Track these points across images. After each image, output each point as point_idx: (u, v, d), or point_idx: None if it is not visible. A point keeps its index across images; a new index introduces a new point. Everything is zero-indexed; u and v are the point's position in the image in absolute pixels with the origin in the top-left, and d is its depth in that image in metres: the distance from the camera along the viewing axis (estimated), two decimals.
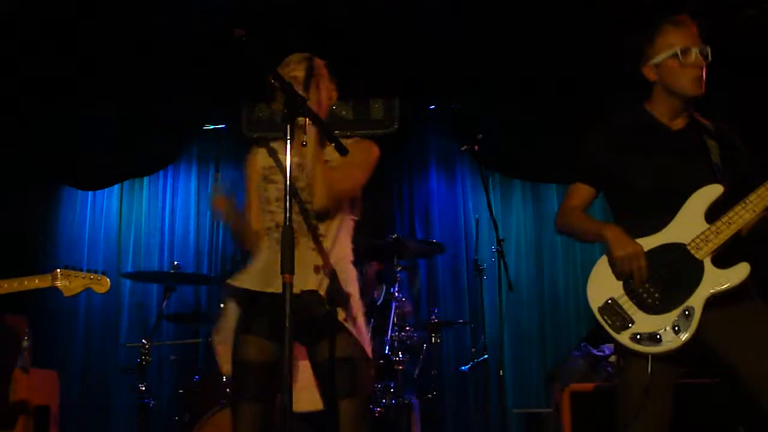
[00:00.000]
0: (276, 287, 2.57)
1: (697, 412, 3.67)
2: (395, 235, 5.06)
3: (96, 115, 6.02)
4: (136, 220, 6.66)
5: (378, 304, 5.39)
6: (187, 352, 5.72)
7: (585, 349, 4.66)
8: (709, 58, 2.86)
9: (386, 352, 4.79)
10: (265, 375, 2.75)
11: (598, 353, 4.53)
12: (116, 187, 6.60)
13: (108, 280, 3.42)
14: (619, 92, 5.37)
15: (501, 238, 5.17)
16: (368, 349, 2.81)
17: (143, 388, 4.71)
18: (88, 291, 6.34)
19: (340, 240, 2.86)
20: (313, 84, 2.90)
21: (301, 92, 2.78)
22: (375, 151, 2.95)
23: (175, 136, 6.31)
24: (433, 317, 5.24)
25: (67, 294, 3.24)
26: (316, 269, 2.75)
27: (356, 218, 2.96)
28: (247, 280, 2.80)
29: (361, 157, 2.89)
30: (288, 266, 2.27)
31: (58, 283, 3.26)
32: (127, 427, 5.98)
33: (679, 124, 2.95)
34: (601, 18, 5.36)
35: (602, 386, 4.30)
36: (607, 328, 2.75)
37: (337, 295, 2.75)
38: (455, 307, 6.43)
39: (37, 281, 3.35)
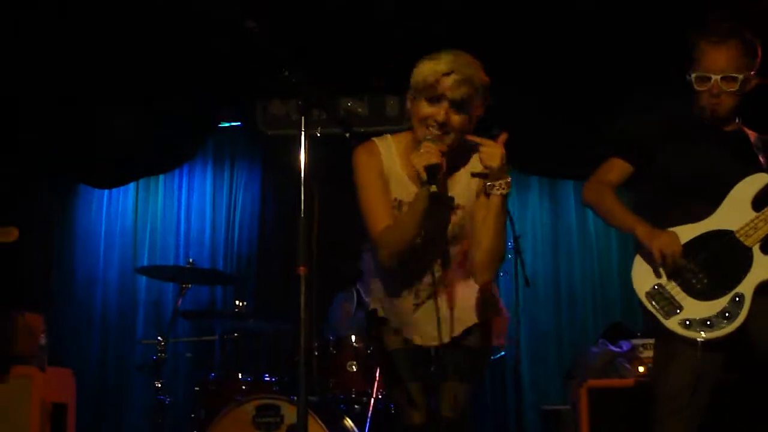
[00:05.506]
0: (434, 339, 2.63)
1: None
2: None
3: (112, 114, 6.03)
4: (151, 219, 6.66)
5: None
6: (202, 349, 5.73)
7: (602, 345, 4.61)
8: (736, 87, 2.80)
9: None
10: (420, 355, 2.74)
11: (615, 349, 4.49)
12: (132, 186, 6.61)
13: (16, 229, 3.06)
14: (639, 88, 5.42)
15: (517, 234, 5.14)
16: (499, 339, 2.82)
17: (159, 385, 4.71)
18: (104, 289, 6.45)
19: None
20: (469, 106, 2.73)
21: (452, 111, 2.66)
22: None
23: (190, 134, 6.31)
24: None
25: None
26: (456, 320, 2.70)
27: None
28: (403, 328, 2.75)
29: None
30: (303, 256, 2.22)
31: None
32: (143, 423, 5.98)
33: (725, 127, 2.93)
34: (620, 13, 5.32)
35: (620, 382, 4.26)
36: (655, 313, 2.71)
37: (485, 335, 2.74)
38: None
39: None
